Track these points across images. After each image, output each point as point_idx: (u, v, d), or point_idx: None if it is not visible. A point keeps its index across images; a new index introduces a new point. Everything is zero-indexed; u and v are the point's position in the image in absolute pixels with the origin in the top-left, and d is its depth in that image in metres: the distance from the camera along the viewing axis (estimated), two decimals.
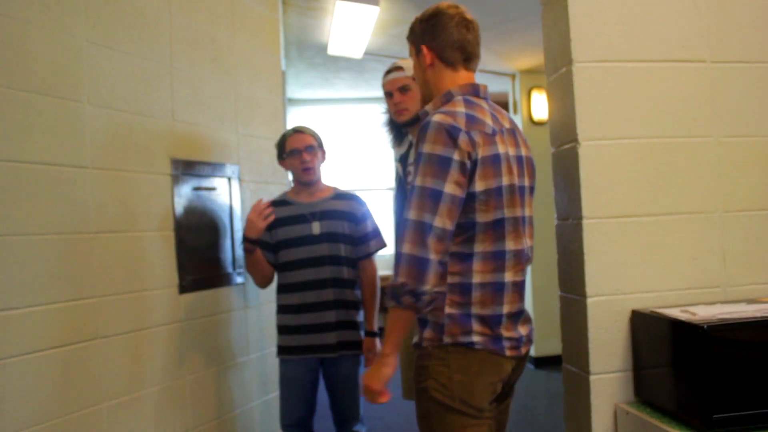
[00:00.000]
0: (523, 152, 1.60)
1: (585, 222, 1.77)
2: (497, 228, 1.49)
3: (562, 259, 1.93)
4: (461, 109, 1.51)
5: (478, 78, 1.65)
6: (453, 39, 1.59)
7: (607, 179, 1.78)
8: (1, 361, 1.69)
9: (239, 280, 2.71)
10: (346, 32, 4.28)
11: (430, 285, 1.40)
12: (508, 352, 1.51)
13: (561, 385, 1.97)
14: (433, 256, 1.40)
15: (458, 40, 1.59)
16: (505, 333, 1.51)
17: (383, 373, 1.48)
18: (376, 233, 2.56)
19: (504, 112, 1.66)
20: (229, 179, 2.67)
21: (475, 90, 1.60)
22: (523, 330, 1.56)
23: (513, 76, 5.53)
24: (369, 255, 2.53)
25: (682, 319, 1.57)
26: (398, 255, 1.42)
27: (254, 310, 2.81)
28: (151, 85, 2.27)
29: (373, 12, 3.93)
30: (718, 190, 1.84)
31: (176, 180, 2.36)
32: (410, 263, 1.40)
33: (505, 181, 1.50)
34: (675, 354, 1.61)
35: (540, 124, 5.42)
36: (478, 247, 1.49)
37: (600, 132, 1.79)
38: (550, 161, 1.98)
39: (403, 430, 3.87)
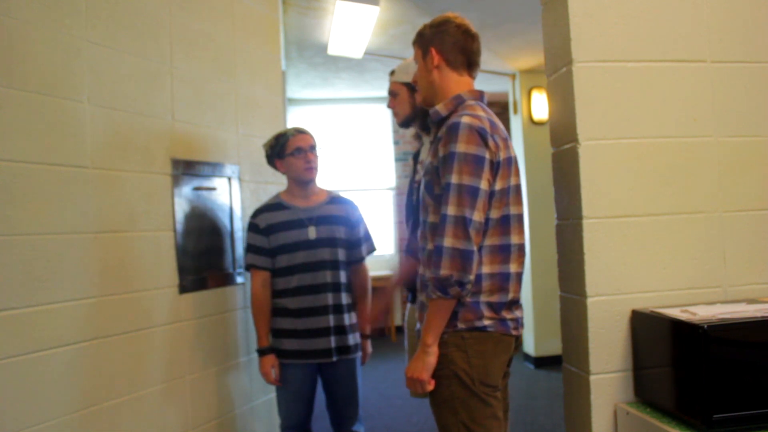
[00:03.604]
0: (514, 154, 1.72)
1: (585, 222, 1.77)
2: (504, 224, 1.64)
3: (562, 259, 1.93)
4: (482, 113, 1.64)
5: (478, 77, 1.77)
6: (460, 45, 1.73)
7: (607, 179, 1.78)
8: (1, 361, 1.69)
9: (239, 280, 2.71)
10: (346, 32, 4.28)
11: (473, 274, 1.56)
12: (513, 332, 1.67)
13: (561, 385, 1.97)
14: (474, 248, 1.56)
15: (464, 46, 1.73)
16: (508, 315, 1.66)
17: (428, 363, 1.61)
18: (368, 237, 2.59)
19: None
20: (229, 179, 2.67)
21: (481, 96, 1.75)
22: (519, 313, 1.72)
23: (513, 76, 5.53)
24: (362, 259, 2.55)
25: (682, 319, 1.57)
26: (439, 249, 1.55)
27: None
28: (151, 85, 2.27)
29: (373, 12, 3.93)
30: (718, 190, 1.84)
31: (176, 180, 2.36)
32: (455, 256, 1.54)
33: (512, 181, 1.66)
34: (675, 354, 1.61)
35: (540, 124, 5.42)
36: (487, 241, 1.63)
37: (600, 132, 1.79)
38: (550, 161, 1.98)
39: (403, 430, 3.87)
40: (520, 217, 1.68)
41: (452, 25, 1.73)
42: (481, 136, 1.57)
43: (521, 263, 1.68)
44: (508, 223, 1.64)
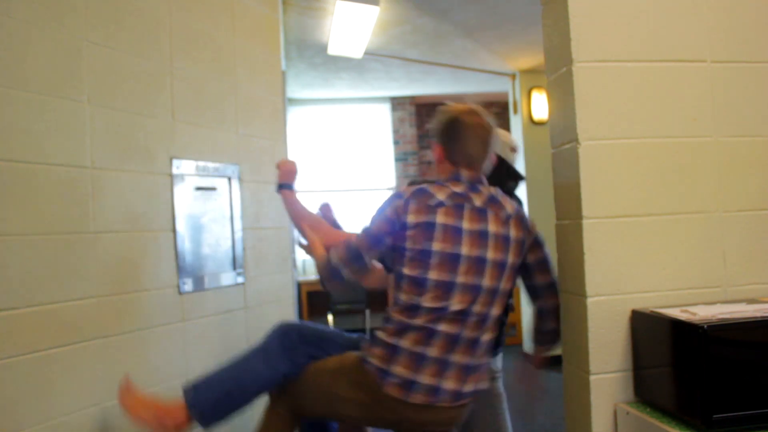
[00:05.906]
0: (491, 228, 1.79)
1: (585, 222, 1.77)
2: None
3: (562, 259, 1.93)
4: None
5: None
6: (465, 151, 1.82)
7: (607, 179, 1.78)
8: (1, 361, 1.69)
9: (239, 280, 2.71)
10: (346, 32, 4.28)
11: None
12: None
13: (561, 385, 1.97)
14: None
15: (470, 153, 1.82)
16: None
17: None
18: None
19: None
20: (229, 179, 2.67)
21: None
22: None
23: (513, 76, 5.53)
24: None
25: (682, 319, 1.57)
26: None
27: (254, 310, 2.81)
28: (151, 85, 2.28)
29: (373, 12, 3.93)
30: (718, 190, 1.84)
31: (176, 180, 2.36)
32: None
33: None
34: (675, 354, 1.61)
35: (540, 124, 5.43)
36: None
37: (600, 132, 1.79)
38: (550, 161, 1.98)
39: None
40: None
41: (462, 125, 1.80)
42: None
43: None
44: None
